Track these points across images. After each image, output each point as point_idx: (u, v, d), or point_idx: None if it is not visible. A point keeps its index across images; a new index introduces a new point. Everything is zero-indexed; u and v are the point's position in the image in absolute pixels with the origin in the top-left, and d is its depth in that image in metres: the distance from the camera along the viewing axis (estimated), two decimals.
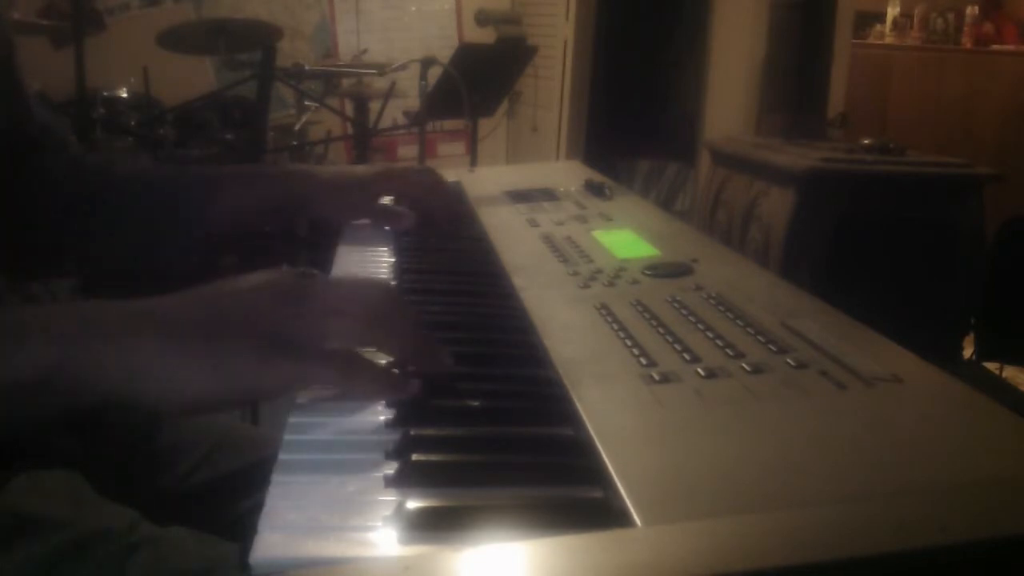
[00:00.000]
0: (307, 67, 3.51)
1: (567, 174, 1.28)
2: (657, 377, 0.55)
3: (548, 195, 1.13)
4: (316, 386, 0.55)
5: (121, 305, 0.54)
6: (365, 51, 4.33)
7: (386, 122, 3.40)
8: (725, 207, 2.91)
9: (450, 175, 1.35)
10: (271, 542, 0.41)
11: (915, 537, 0.37)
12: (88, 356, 0.50)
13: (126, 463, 0.81)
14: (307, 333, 0.54)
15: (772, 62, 2.97)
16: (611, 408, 0.52)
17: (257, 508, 0.44)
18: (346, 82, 3.85)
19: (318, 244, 2.16)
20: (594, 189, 1.14)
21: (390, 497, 0.45)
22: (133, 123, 3.11)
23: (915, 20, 5.12)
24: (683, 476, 0.44)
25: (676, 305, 0.69)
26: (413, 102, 3.37)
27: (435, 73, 3.00)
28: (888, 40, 5.12)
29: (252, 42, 3.42)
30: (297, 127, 3.70)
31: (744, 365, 0.57)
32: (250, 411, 1.97)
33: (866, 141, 2.67)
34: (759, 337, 0.61)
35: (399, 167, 1.11)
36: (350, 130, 4.00)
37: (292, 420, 0.54)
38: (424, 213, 1.05)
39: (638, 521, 0.40)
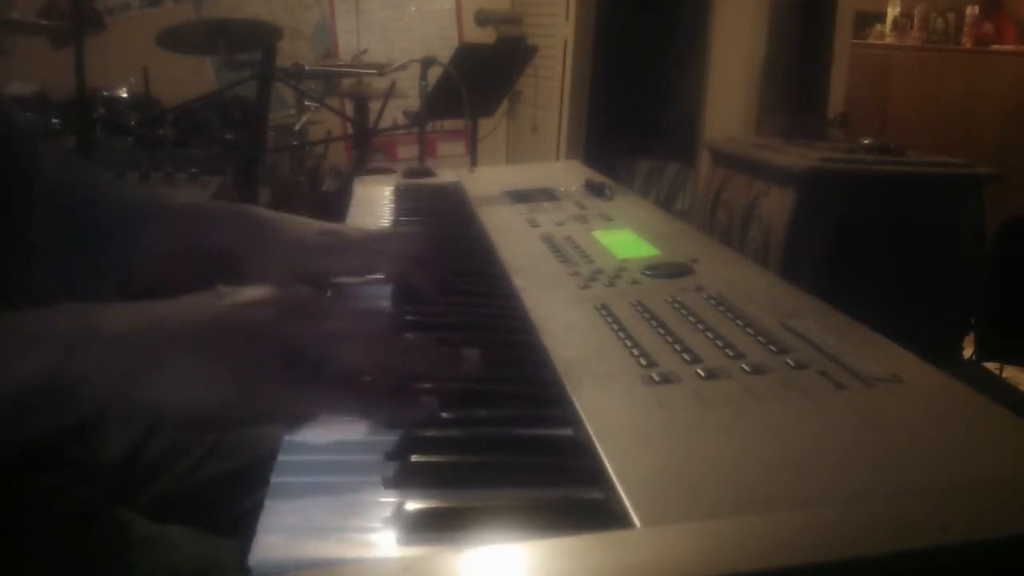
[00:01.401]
0: (307, 67, 3.51)
1: (567, 174, 1.28)
2: (657, 378, 0.55)
3: (548, 195, 1.13)
4: (337, 414, 0.52)
5: (126, 311, 0.52)
6: (365, 51, 4.33)
7: (386, 122, 3.40)
8: (725, 207, 2.91)
9: (450, 175, 1.36)
10: (270, 543, 0.41)
11: (915, 537, 0.37)
12: (94, 367, 0.48)
13: (126, 463, 0.81)
14: (317, 352, 0.52)
15: (772, 62, 2.97)
16: (611, 408, 0.52)
17: (256, 508, 0.44)
18: (346, 82, 3.85)
19: None
20: (594, 189, 1.14)
21: (390, 498, 0.45)
22: (133, 123, 3.11)
23: (915, 20, 5.12)
24: (683, 476, 0.44)
25: (676, 305, 0.69)
26: (413, 102, 3.37)
27: (435, 73, 3.00)
28: (888, 40, 5.12)
29: (252, 42, 3.42)
30: (297, 127, 3.70)
31: (744, 365, 0.57)
32: None
33: (866, 141, 2.67)
34: (759, 337, 0.61)
35: (379, 235, 0.87)
36: (350, 130, 4.00)
37: None
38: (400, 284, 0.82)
39: (638, 522, 0.40)
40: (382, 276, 0.82)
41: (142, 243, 0.79)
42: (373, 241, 0.82)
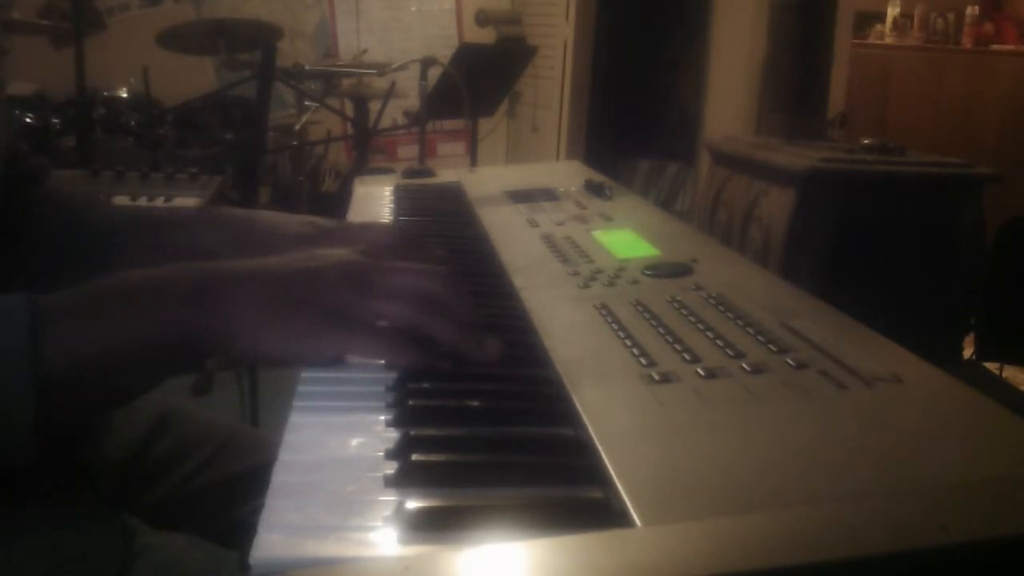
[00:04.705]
0: (307, 67, 3.51)
1: (567, 174, 1.28)
2: (657, 377, 0.55)
3: (548, 195, 1.13)
4: (363, 356, 0.61)
5: (227, 267, 0.62)
6: (365, 51, 4.33)
7: (386, 122, 3.40)
8: (725, 207, 2.91)
9: (450, 175, 1.36)
10: (271, 542, 0.41)
11: (915, 537, 0.37)
12: (207, 317, 0.58)
13: (129, 467, 0.81)
14: (365, 313, 0.61)
15: (772, 62, 2.97)
16: (611, 408, 0.52)
17: (259, 511, 0.44)
18: (346, 82, 3.85)
19: None
20: (594, 189, 1.14)
21: (390, 497, 0.45)
22: (133, 123, 3.11)
23: (915, 20, 5.12)
24: (683, 476, 0.44)
25: (676, 305, 0.69)
26: (413, 102, 3.37)
27: (435, 73, 3.00)
28: (888, 40, 5.12)
29: (252, 42, 3.42)
30: (297, 127, 3.70)
31: (744, 365, 0.57)
32: (250, 413, 1.97)
33: (866, 141, 2.67)
34: (759, 337, 0.61)
35: (355, 225, 0.90)
36: (350, 130, 4.00)
37: (292, 420, 0.54)
38: None
39: (638, 521, 0.40)
40: None
41: (126, 257, 0.82)
42: (349, 230, 0.86)
